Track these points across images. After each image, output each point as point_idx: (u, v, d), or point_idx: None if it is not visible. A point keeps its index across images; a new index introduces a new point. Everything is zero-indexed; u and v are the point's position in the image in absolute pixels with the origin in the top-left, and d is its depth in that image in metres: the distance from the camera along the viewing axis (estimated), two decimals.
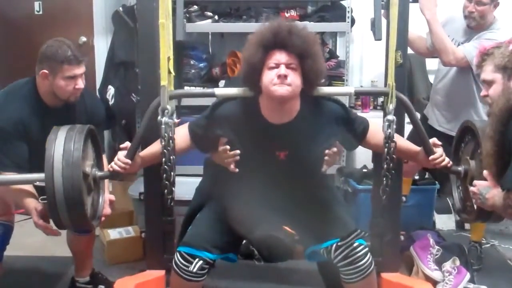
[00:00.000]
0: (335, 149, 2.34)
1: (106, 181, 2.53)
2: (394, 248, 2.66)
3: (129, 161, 2.25)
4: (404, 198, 2.75)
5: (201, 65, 3.91)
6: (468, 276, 2.87)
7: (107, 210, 2.45)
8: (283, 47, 2.16)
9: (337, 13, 3.80)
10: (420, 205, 3.65)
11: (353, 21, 3.81)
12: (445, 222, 4.01)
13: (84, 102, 2.67)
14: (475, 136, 2.29)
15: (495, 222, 2.41)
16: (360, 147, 2.48)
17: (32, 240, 3.50)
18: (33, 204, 2.43)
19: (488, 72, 2.37)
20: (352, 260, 2.27)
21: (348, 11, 3.75)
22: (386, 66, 2.39)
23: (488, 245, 3.65)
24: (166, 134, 2.24)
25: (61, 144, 2.12)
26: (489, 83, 2.37)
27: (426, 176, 3.80)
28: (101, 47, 4.06)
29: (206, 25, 3.78)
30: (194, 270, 2.27)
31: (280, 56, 2.16)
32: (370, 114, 3.96)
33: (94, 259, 3.14)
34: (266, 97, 2.23)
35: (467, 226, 3.67)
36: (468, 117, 3.02)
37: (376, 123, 2.43)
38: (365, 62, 4.21)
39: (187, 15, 3.70)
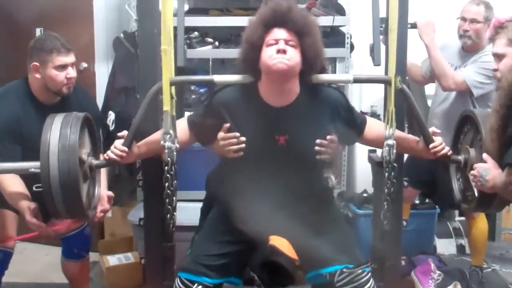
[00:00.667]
0: (330, 137, 2.28)
1: (103, 175, 2.53)
2: (395, 273, 2.64)
3: (125, 148, 2.23)
4: (404, 223, 2.74)
5: (202, 90, 3.94)
6: None
7: (106, 206, 2.44)
8: (282, 24, 2.17)
9: (336, 39, 3.83)
10: (421, 230, 3.65)
11: (352, 47, 3.85)
12: (446, 246, 4.00)
13: (78, 99, 2.68)
14: (474, 124, 2.27)
15: (496, 210, 2.38)
16: (359, 171, 2.48)
17: (31, 267, 3.50)
18: (26, 203, 2.42)
19: (500, 46, 2.34)
20: (355, 286, 2.26)
21: (347, 37, 3.79)
22: (385, 91, 2.40)
23: (489, 269, 3.64)
24: (168, 159, 2.24)
25: (57, 129, 2.12)
26: (500, 57, 2.34)
27: (427, 200, 3.80)
28: (102, 73, 4.08)
29: (206, 51, 3.81)
30: None
31: (279, 33, 2.17)
32: None
33: (94, 286, 3.13)
34: (265, 76, 2.21)
35: (467, 250, 3.65)
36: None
37: (374, 119, 2.45)
38: (365, 87, 4.22)
39: (188, 42, 3.73)
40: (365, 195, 3.72)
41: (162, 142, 2.24)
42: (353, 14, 3.82)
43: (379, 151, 2.47)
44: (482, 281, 3.34)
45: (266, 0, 2.30)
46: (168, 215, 2.32)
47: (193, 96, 3.89)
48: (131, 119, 3.73)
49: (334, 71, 4.16)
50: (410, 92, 2.35)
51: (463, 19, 3.15)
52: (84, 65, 4.02)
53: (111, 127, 3.76)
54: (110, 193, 2.51)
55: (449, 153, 2.32)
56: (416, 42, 2.96)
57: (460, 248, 3.99)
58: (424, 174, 3.31)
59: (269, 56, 2.15)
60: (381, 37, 2.69)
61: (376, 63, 2.64)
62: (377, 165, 2.50)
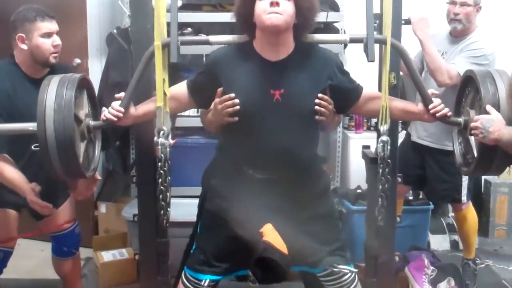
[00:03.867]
0: (325, 96, 2.25)
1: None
2: (389, 269, 2.65)
3: (122, 109, 2.22)
4: (398, 219, 2.75)
5: None
6: None
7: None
8: None
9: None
10: (415, 226, 3.66)
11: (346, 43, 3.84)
12: (439, 242, 4.01)
13: (66, 72, 2.65)
14: (474, 84, 2.25)
15: (495, 173, 2.34)
16: (353, 167, 2.47)
17: (25, 263, 3.49)
18: (29, 185, 2.43)
19: None
20: (335, 278, 2.34)
21: (341, 33, 3.78)
22: (379, 87, 2.40)
23: (483, 265, 3.65)
24: (162, 155, 2.24)
25: (54, 88, 2.12)
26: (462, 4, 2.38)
27: (420, 196, 3.81)
28: (95, 69, 4.07)
29: (200, 47, 3.80)
30: (205, 284, 2.32)
31: None
32: (364, 135, 3.99)
33: (88, 282, 3.13)
34: (260, 31, 2.19)
35: (461, 246, 3.67)
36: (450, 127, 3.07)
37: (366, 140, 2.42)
38: (359, 80, 4.22)
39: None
40: (359, 191, 3.73)
41: (155, 138, 2.24)
42: (347, 10, 3.83)
43: (373, 148, 2.48)
44: (475, 274, 3.35)
45: None
46: (162, 211, 2.32)
47: None
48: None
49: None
50: (406, 50, 2.34)
51: (453, 2, 3.16)
52: (78, 61, 4.00)
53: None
54: (97, 175, 2.53)
55: (448, 114, 2.29)
56: (410, 38, 2.96)
57: (454, 244, 4.01)
58: (414, 168, 3.33)
59: (263, 10, 2.12)
60: (375, 33, 2.69)
61: (370, 59, 2.63)
62: (371, 161, 2.50)
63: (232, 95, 2.19)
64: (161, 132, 2.24)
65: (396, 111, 2.33)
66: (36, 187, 2.42)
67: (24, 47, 2.52)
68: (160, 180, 2.27)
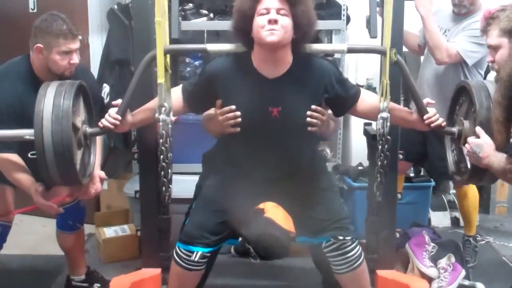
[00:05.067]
0: (319, 108, 2.29)
1: (98, 148, 2.52)
2: (389, 245, 2.66)
3: (119, 117, 2.22)
4: (399, 195, 2.75)
5: (197, 63, 3.91)
6: (463, 273, 2.88)
7: (98, 185, 2.45)
8: None
9: (333, 11, 3.80)
10: (416, 203, 3.66)
11: (348, 19, 3.82)
12: (440, 219, 4.03)
13: (78, 77, 2.64)
14: (469, 95, 2.25)
15: (488, 183, 2.39)
16: (355, 144, 2.48)
17: (27, 239, 3.51)
18: (34, 186, 2.43)
19: (494, 37, 2.30)
20: (341, 253, 2.34)
21: (344, 9, 3.75)
22: (381, 63, 2.39)
23: (483, 242, 3.67)
24: (163, 132, 2.23)
25: (51, 96, 2.11)
26: (495, 48, 2.30)
27: (422, 173, 3.81)
28: (96, 45, 4.04)
29: (201, 23, 3.78)
30: (196, 259, 2.33)
31: (270, 2, 2.15)
32: None
33: (90, 257, 3.14)
34: (258, 46, 2.21)
35: (462, 223, 3.68)
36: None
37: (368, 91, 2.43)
38: (360, 59, 4.20)
39: (182, 13, 3.69)
40: (360, 168, 3.73)
41: (156, 114, 2.23)
42: None
43: (374, 124, 2.48)
44: (475, 251, 3.37)
45: None
46: (164, 188, 2.33)
47: (188, 69, 3.86)
48: (125, 91, 3.73)
49: (330, 43, 4.14)
50: (405, 63, 2.33)
51: None
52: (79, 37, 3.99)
53: (106, 100, 3.75)
54: (103, 174, 2.50)
55: (443, 124, 2.31)
56: (412, 14, 2.94)
57: (455, 221, 4.02)
58: (415, 145, 3.32)
59: (261, 26, 2.13)
60: (377, 9, 2.67)
61: (373, 35, 2.63)
62: (372, 138, 2.50)
63: (233, 107, 2.24)
64: (163, 109, 2.24)
65: (392, 116, 2.32)
66: (39, 187, 2.41)
67: (40, 56, 2.49)
68: (161, 156, 2.27)
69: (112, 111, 2.24)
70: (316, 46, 2.33)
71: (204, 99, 2.33)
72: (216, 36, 4.01)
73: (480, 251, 3.43)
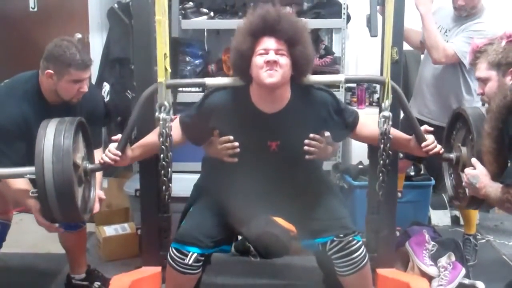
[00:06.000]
0: (317, 136, 2.32)
1: (98, 177, 2.52)
2: (389, 244, 2.66)
3: (119, 152, 2.23)
4: (399, 194, 2.75)
5: (197, 62, 3.90)
6: (463, 271, 2.88)
7: (96, 207, 2.45)
8: (272, 33, 2.16)
9: (333, 9, 3.80)
10: (416, 201, 3.66)
11: (348, 18, 3.82)
12: (440, 218, 4.03)
13: (85, 97, 2.63)
14: (466, 122, 2.29)
15: (487, 210, 2.43)
16: (355, 143, 2.49)
17: (28, 237, 3.50)
18: (33, 202, 2.42)
19: (483, 70, 2.35)
20: (346, 254, 2.31)
21: (344, 8, 3.76)
22: (382, 62, 2.39)
23: (484, 240, 3.67)
24: (164, 130, 2.24)
25: (51, 137, 2.11)
26: (484, 81, 2.35)
27: (422, 172, 3.81)
28: (96, 43, 4.05)
29: (201, 22, 3.78)
30: (190, 262, 2.30)
31: (269, 43, 2.16)
32: (366, 111, 3.96)
33: (90, 256, 3.14)
34: (256, 85, 2.22)
35: (462, 222, 3.68)
36: (450, 105, 3.11)
37: (366, 116, 2.45)
38: (361, 58, 4.20)
39: (183, 12, 3.69)
40: (360, 166, 3.73)
41: (157, 113, 2.24)
42: None
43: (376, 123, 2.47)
44: (475, 249, 3.37)
45: (254, 6, 2.26)
46: (164, 187, 2.33)
47: (188, 67, 3.86)
48: (125, 90, 3.74)
49: (330, 42, 4.14)
50: (403, 93, 2.36)
51: None
52: (78, 36, 3.99)
53: (106, 99, 3.75)
54: (102, 194, 2.49)
55: (441, 152, 2.34)
56: (413, 12, 2.93)
57: (455, 219, 4.02)
58: None
59: (260, 67, 2.15)
60: (378, 7, 2.67)
61: (373, 34, 2.62)
62: None
63: (231, 137, 2.27)
64: (163, 108, 2.24)
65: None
66: (38, 206, 2.39)
67: (50, 81, 2.49)
68: (161, 155, 2.27)
69: (112, 147, 2.25)
70: (314, 78, 2.34)
71: (203, 132, 2.36)
72: (216, 34, 4.01)
73: (480, 249, 3.43)
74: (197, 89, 3.73)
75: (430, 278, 2.84)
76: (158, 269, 2.56)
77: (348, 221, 2.37)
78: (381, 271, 2.60)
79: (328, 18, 3.75)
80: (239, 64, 2.23)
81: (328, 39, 4.17)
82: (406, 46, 2.98)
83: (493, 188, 2.02)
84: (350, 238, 2.31)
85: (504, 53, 2.27)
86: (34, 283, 3.08)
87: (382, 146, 2.32)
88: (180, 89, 3.68)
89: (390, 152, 2.34)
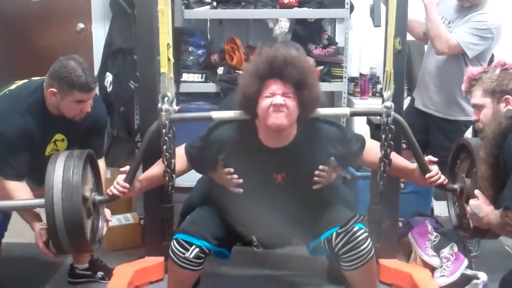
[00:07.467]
0: (326, 168, 2.35)
1: (102, 167, 2.55)
2: (392, 235, 2.67)
3: (127, 185, 2.27)
4: (402, 185, 2.75)
5: (200, 52, 3.89)
6: (466, 262, 2.88)
7: (104, 230, 2.47)
8: (279, 77, 2.15)
9: None
10: (418, 192, 3.65)
11: (352, 8, 3.80)
12: (443, 208, 4.00)
13: (88, 114, 2.63)
14: (470, 154, 2.31)
15: (492, 239, 2.45)
16: (357, 131, 2.47)
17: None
18: (37, 227, 2.46)
19: (478, 97, 2.37)
20: (353, 246, 2.31)
21: (346, 6, 3.73)
22: (385, 52, 2.38)
23: None
24: (166, 121, 2.23)
25: (60, 172, 2.13)
26: (479, 108, 2.37)
27: None
28: (99, 34, 4.04)
29: (204, 12, 3.76)
30: (190, 257, 2.31)
31: (276, 86, 2.15)
32: (369, 101, 3.96)
33: None
34: (263, 124, 2.22)
35: None
36: (453, 97, 3.11)
37: (373, 141, 2.45)
38: (364, 48, 4.19)
39: (185, 2, 3.67)
40: None
41: (159, 104, 2.24)
42: None
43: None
44: (478, 241, 3.37)
45: (260, 50, 2.25)
46: (167, 177, 2.33)
47: (191, 58, 3.84)
48: (128, 80, 3.73)
49: (333, 33, 4.13)
50: (405, 122, 2.37)
51: None
52: (81, 26, 3.99)
53: (109, 89, 3.75)
54: (109, 215, 2.51)
55: (444, 182, 2.37)
56: (416, 3, 2.92)
57: None
58: (418, 134, 3.31)
59: (266, 109, 2.15)
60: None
61: (376, 24, 2.62)
62: (376, 128, 2.50)
63: (232, 170, 2.30)
64: (165, 98, 2.24)
65: (394, 170, 2.39)
66: (44, 235, 2.41)
67: (53, 98, 2.50)
68: (164, 146, 2.27)
69: (120, 179, 2.28)
70: (320, 111, 2.32)
71: (208, 163, 2.36)
72: (219, 24, 4.00)
73: (483, 240, 3.43)
74: (200, 79, 3.74)
75: (432, 269, 2.85)
76: (161, 259, 2.58)
77: (348, 212, 2.39)
78: (383, 261, 2.61)
79: (332, 8, 3.73)
80: (245, 105, 2.24)
81: (331, 29, 4.15)
82: (409, 37, 2.98)
83: (494, 215, 2.05)
84: (356, 228, 2.31)
85: (499, 81, 2.30)
86: (37, 273, 3.09)
87: (384, 136, 2.32)
88: (183, 79, 3.69)
89: (393, 142, 2.33)
